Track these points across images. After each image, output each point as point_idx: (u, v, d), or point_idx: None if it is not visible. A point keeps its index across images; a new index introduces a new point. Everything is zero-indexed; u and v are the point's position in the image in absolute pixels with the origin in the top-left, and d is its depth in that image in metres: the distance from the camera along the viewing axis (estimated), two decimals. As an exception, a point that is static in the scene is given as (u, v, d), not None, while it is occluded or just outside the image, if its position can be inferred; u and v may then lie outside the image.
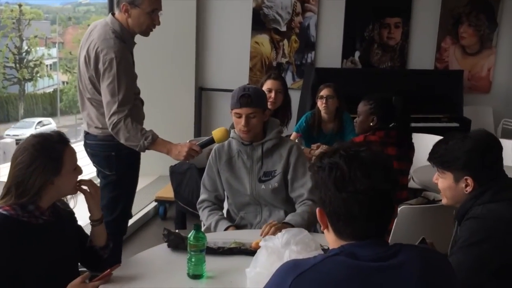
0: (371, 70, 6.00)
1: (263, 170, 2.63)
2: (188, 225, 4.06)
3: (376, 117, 3.08)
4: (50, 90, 22.68)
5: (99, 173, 2.97)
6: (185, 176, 3.90)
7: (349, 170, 1.27)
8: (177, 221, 4.07)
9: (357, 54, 5.99)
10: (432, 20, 6.06)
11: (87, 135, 2.93)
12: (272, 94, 3.72)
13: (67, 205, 2.12)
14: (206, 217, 2.67)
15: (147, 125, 2.87)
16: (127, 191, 2.99)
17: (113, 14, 2.79)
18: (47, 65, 22.63)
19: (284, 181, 2.63)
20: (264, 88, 3.72)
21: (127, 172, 2.93)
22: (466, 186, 1.92)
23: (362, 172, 1.27)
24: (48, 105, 22.16)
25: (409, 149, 3.08)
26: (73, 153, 1.99)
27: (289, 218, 2.48)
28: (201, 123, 5.89)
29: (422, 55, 6.13)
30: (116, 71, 2.66)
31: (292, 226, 2.36)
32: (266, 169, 2.63)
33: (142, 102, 2.97)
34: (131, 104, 2.73)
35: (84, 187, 2.08)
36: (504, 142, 5.02)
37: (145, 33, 2.82)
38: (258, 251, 2.02)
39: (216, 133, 2.63)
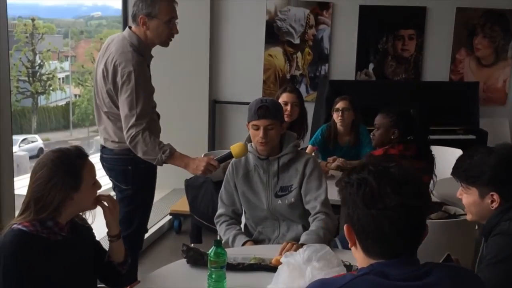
0: (386, 82, 5.96)
1: (279, 185, 2.60)
2: (204, 239, 4.03)
3: (398, 130, 3.04)
4: (63, 103, 22.83)
5: (115, 187, 2.96)
6: (201, 190, 3.87)
7: (379, 186, 1.24)
8: (192, 235, 4.03)
9: (371, 66, 5.97)
10: (447, 31, 6.02)
11: (103, 149, 2.92)
12: (288, 107, 3.70)
13: (85, 221, 2.11)
14: (223, 231, 2.64)
15: (161, 138, 2.86)
16: (143, 206, 2.97)
17: (129, 28, 2.79)
18: (59, 79, 22.80)
19: (300, 196, 2.60)
20: (280, 101, 3.70)
21: (143, 186, 2.91)
22: (492, 202, 1.87)
23: (392, 188, 1.23)
24: (60, 118, 22.29)
25: (429, 162, 3.03)
26: (92, 168, 1.98)
27: (305, 238, 2.42)
28: (214, 136, 5.88)
29: (436, 66, 6.08)
30: (134, 84, 2.65)
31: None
32: (282, 184, 2.60)
33: (158, 116, 2.96)
34: (149, 117, 2.72)
35: (103, 202, 2.07)
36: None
37: (165, 43, 2.82)
38: (279, 267, 1.99)
39: (235, 148, 2.60)
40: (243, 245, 2.52)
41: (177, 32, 2.81)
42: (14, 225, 1.85)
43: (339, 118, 3.91)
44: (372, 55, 5.96)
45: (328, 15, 5.81)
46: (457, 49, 6.07)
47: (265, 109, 2.49)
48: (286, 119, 3.63)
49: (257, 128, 2.52)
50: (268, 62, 5.87)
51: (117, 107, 2.75)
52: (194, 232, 4.02)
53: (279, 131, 2.56)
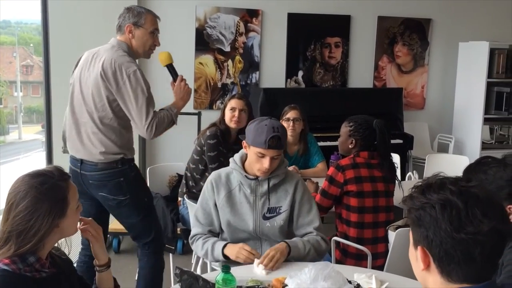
0: (315, 90, 6.03)
1: (267, 206, 2.50)
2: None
3: (354, 140, 3.05)
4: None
5: (108, 201, 2.89)
6: (150, 207, 3.66)
7: (466, 208, 1.18)
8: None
9: (300, 73, 6.02)
10: (370, 39, 6.23)
11: (82, 164, 2.85)
12: (236, 113, 3.63)
13: (61, 252, 1.89)
14: (200, 246, 2.49)
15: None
16: (148, 208, 3.01)
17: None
18: None
19: (289, 218, 2.53)
20: (228, 107, 3.65)
21: (139, 192, 2.96)
22: (509, 215, 1.88)
23: (481, 211, 1.18)
24: None
25: (392, 169, 3.07)
26: (75, 189, 1.80)
27: (291, 240, 2.42)
28: (145, 149, 5.62)
29: (361, 73, 6.27)
30: (142, 81, 2.74)
31: (289, 247, 2.34)
32: (270, 205, 2.50)
33: None
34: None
35: (88, 231, 1.88)
36: (441, 156, 5.21)
37: (148, 54, 2.95)
38: (285, 289, 1.91)
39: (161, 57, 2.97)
40: (224, 247, 2.38)
41: (159, 44, 2.98)
42: (-7, 263, 1.61)
43: (290, 128, 3.88)
44: (301, 63, 6.01)
45: (258, 23, 5.79)
46: (380, 56, 6.30)
47: (277, 140, 2.35)
48: (233, 125, 3.58)
49: (262, 156, 2.39)
50: (199, 70, 5.72)
51: (113, 110, 2.78)
52: (143, 251, 3.78)
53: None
